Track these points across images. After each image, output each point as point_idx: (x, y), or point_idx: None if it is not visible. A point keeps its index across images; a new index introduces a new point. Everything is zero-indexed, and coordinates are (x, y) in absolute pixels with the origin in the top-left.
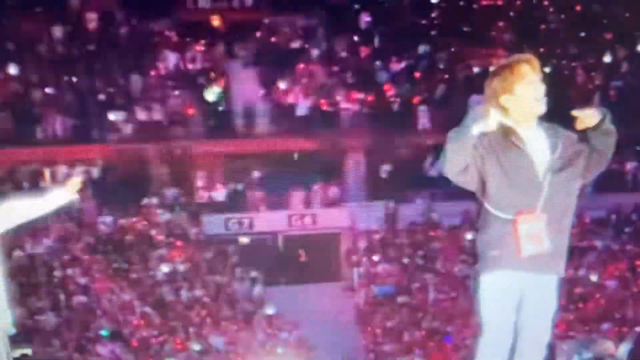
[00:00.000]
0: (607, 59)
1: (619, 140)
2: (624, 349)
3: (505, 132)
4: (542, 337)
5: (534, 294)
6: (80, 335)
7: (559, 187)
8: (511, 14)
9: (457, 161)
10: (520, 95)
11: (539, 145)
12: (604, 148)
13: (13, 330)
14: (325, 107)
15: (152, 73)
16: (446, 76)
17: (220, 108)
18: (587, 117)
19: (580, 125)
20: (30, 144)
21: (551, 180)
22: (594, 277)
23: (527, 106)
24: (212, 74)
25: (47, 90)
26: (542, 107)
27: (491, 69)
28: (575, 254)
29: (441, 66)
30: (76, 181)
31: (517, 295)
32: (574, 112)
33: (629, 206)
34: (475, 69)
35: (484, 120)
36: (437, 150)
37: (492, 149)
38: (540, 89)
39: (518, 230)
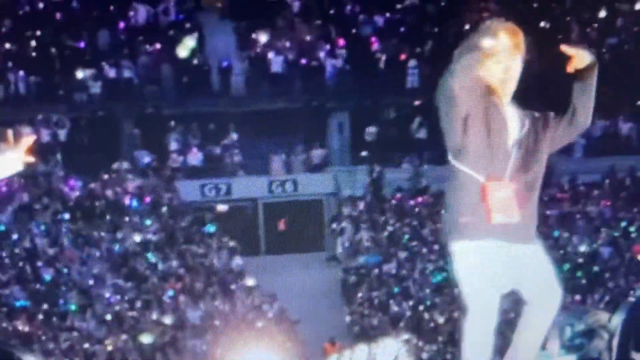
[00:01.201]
0: (602, 14)
1: (612, 99)
2: (616, 320)
3: (489, 90)
4: (550, 301)
5: (517, 263)
6: (49, 310)
7: (526, 159)
8: None
9: (462, 76)
10: (488, 65)
11: (510, 115)
12: (582, 109)
13: None
14: (306, 64)
15: (122, 27)
16: (436, 30)
17: (195, 63)
18: (579, 56)
19: (570, 67)
20: None
21: (518, 151)
22: (586, 244)
23: (494, 83)
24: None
25: (8, 45)
26: (509, 88)
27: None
28: (567, 219)
29: (431, 20)
30: (26, 141)
31: (496, 266)
32: (564, 48)
33: (623, 169)
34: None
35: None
36: (427, 111)
37: (479, 104)
38: (512, 68)
39: (489, 196)
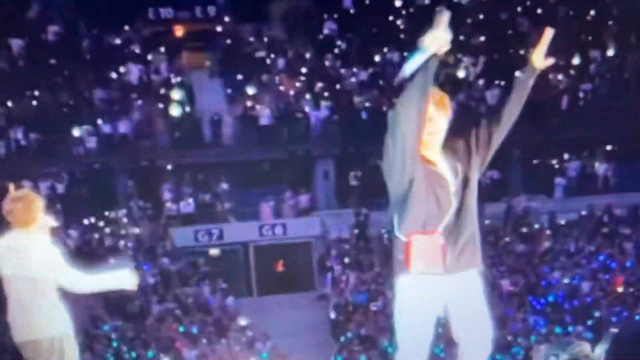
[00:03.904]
0: (576, 61)
1: (588, 141)
2: (600, 350)
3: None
4: (482, 335)
5: (456, 295)
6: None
7: (465, 202)
8: (481, 16)
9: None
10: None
11: (444, 167)
12: (514, 109)
13: None
14: (292, 116)
15: (116, 86)
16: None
17: (186, 118)
18: (545, 58)
19: (536, 61)
20: None
21: (456, 199)
22: (567, 279)
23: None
24: (177, 85)
25: (9, 104)
26: (436, 140)
27: None
28: (548, 256)
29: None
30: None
31: (434, 301)
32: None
33: (600, 208)
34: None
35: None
36: None
37: (419, 167)
38: (438, 124)
39: (411, 249)
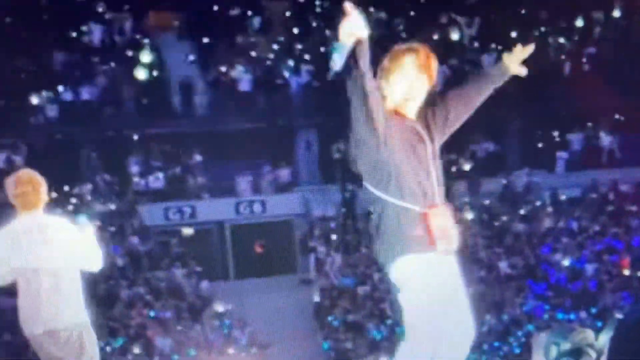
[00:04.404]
0: (579, 23)
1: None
2: (604, 337)
3: (394, 110)
4: (469, 319)
5: (447, 277)
6: (12, 338)
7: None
8: None
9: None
10: (392, 85)
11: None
12: (472, 102)
13: None
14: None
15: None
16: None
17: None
18: (522, 55)
19: (511, 65)
20: None
21: (434, 166)
22: (569, 261)
23: (397, 99)
24: (143, 47)
25: None
26: (411, 106)
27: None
28: (550, 236)
29: (399, 34)
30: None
31: (440, 277)
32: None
33: (605, 183)
34: (435, 37)
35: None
36: None
37: (390, 123)
38: (415, 86)
39: (430, 225)
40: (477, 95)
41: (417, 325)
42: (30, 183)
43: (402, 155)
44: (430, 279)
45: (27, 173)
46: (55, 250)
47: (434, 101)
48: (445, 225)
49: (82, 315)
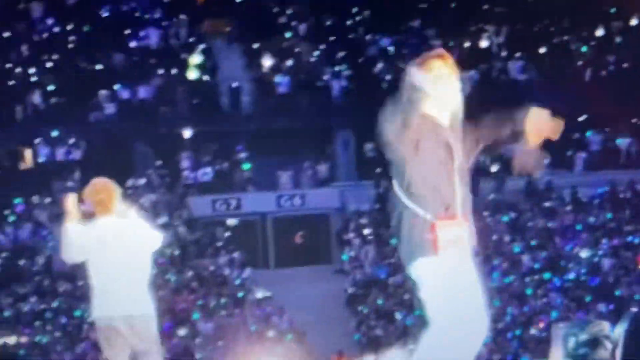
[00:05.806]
0: (600, 32)
1: (612, 115)
2: (619, 329)
3: (436, 123)
4: (484, 317)
5: (463, 277)
6: (67, 321)
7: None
8: None
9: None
10: (432, 90)
11: (455, 141)
12: (496, 139)
13: None
14: (313, 84)
15: (136, 50)
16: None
17: (206, 85)
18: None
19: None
20: (9, 125)
21: (460, 178)
22: (588, 256)
23: (440, 103)
24: (197, 51)
25: (28, 70)
26: (456, 111)
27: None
28: (569, 231)
29: (433, 41)
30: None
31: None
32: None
33: (622, 183)
34: (467, 44)
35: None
36: None
37: (427, 134)
38: (448, 89)
39: (437, 235)
40: (500, 138)
41: (438, 319)
42: (105, 191)
43: (427, 160)
44: (446, 281)
45: (102, 182)
46: (130, 252)
47: (464, 120)
48: (453, 238)
49: (148, 305)
